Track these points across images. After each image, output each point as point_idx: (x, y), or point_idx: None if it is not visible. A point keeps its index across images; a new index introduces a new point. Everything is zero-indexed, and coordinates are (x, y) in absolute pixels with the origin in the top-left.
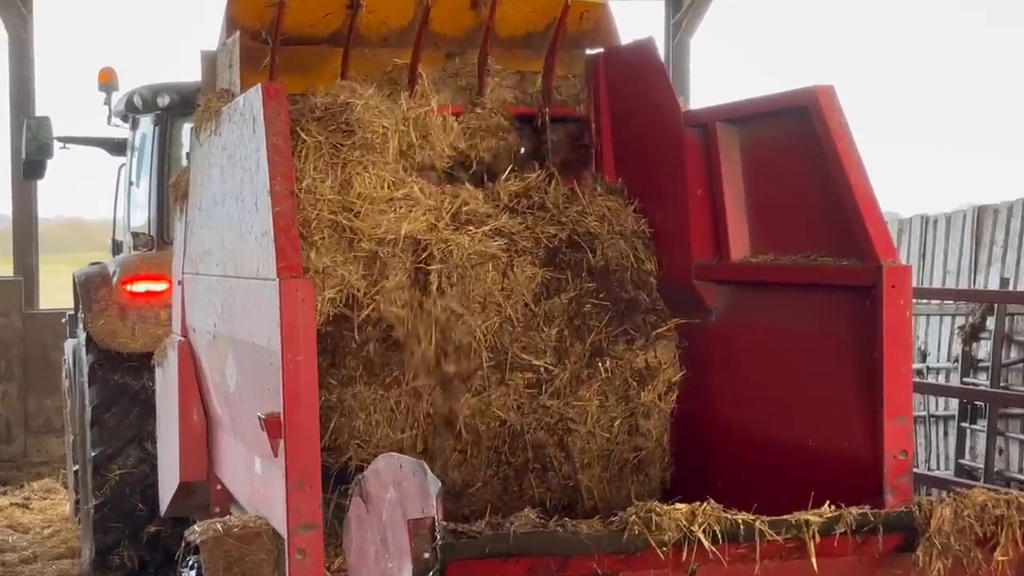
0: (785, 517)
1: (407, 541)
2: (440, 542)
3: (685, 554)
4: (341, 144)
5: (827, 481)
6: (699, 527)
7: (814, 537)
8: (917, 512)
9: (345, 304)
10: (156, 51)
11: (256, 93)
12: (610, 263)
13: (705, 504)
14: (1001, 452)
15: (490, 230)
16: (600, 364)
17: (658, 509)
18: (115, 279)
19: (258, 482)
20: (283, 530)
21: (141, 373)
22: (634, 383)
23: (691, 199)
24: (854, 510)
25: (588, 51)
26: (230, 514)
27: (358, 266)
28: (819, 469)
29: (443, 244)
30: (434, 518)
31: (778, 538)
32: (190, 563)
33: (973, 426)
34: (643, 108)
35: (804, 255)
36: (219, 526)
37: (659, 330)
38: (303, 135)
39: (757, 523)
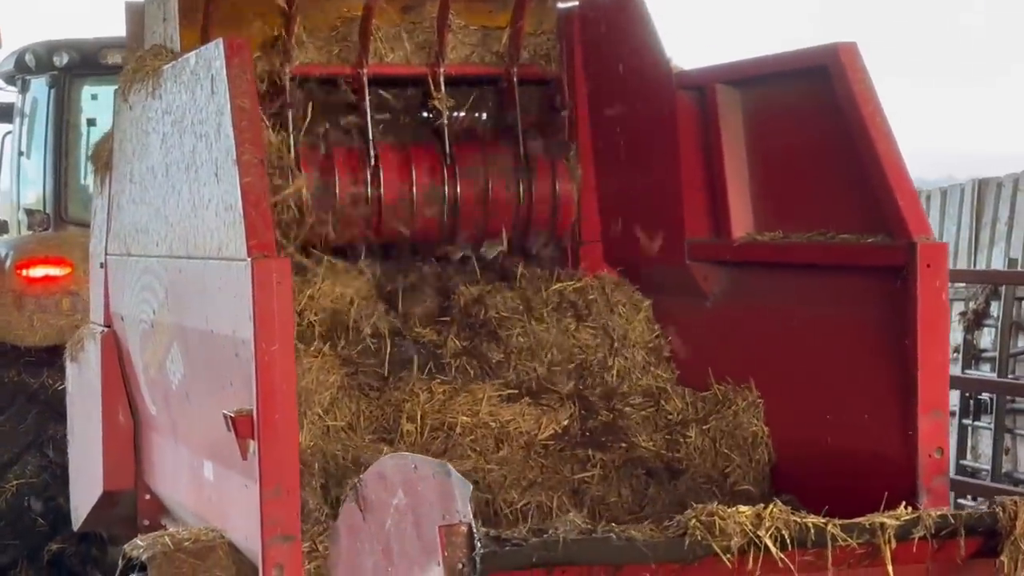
0: (859, 520)
1: (437, 549)
2: (481, 550)
3: (751, 562)
4: None
5: (852, 485)
6: (766, 532)
7: (890, 542)
8: (1001, 513)
9: None
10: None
11: (216, 49)
12: None
13: (772, 507)
14: (1008, 451)
15: None
16: None
17: (721, 512)
18: (8, 263)
19: (209, 490)
20: (246, 543)
21: (40, 370)
22: None
23: (684, 170)
24: (933, 512)
25: (560, 4)
26: (162, 527)
27: None
28: (843, 472)
29: None
30: (471, 524)
31: (852, 543)
32: None
33: (976, 423)
34: (627, 68)
35: (820, 232)
36: (168, 540)
37: None
38: None
39: (829, 527)
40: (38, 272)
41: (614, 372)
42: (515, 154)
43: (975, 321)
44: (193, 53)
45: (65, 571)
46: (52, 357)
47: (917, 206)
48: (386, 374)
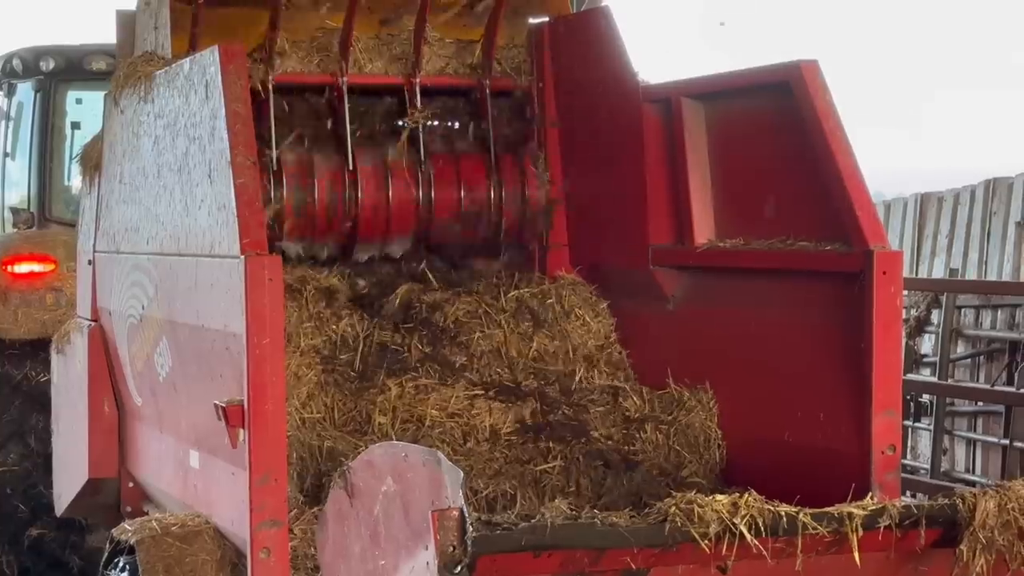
0: (828, 509)
1: (427, 533)
2: (473, 534)
3: (725, 547)
4: None
5: (807, 481)
6: (742, 519)
7: (857, 530)
8: (961, 505)
9: None
10: (25, 9)
11: (211, 56)
12: None
13: (747, 495)
14: (946, 452)
15: None
16: None
17: (699, 500)
18: None
19: (195, 477)
20: (232, 528)
21: (24, 362)
22: None
23: (649, 179)
24: (897, 502)
25: (532, 19)
26: (144, 513)
27: None
28: (798, 468)
29: None
30: (463, 509)
31: (822, 530)
32: (120, 564)
33: (917, 424)
34: (595, 81)
35: (779, 240)
36: (155, 524)
37: None
38: None
39: (800, 515)
40: (23, 268)
41: (573, 373)
42: (487, 162)
43: (917, 328)
44: (187, 59)
45: (45, 556)
46: (36, 350)
47: (874, 216)
48: (359, 372)
